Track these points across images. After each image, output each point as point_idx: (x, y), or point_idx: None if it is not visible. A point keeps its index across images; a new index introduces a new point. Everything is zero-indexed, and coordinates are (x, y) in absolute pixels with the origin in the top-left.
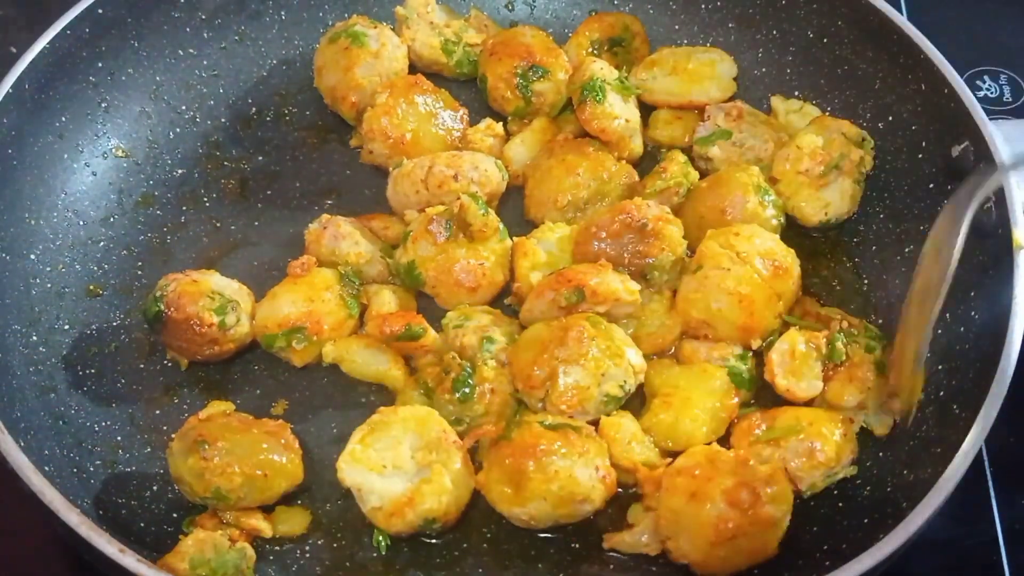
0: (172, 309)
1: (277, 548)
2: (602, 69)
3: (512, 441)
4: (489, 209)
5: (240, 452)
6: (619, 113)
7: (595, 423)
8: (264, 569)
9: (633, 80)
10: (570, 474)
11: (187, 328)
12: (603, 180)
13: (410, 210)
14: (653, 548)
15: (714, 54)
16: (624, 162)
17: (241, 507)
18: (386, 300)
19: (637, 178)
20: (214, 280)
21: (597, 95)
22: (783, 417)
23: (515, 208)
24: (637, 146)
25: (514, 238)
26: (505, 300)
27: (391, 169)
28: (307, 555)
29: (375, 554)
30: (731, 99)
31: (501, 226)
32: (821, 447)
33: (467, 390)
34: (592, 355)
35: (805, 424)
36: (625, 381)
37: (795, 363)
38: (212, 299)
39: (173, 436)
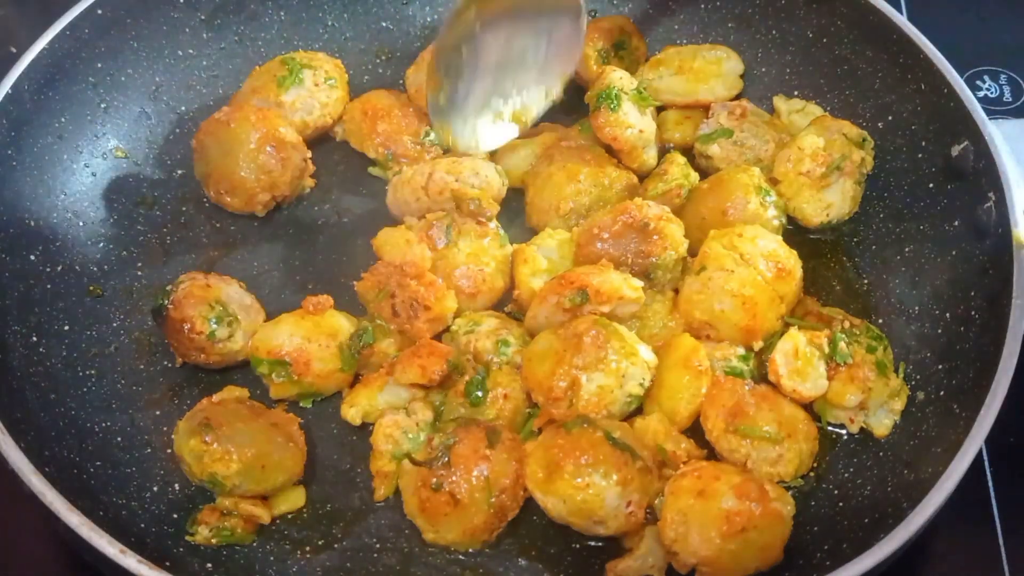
0: (173, 307)
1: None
2: (621, 79)
3: (570, 434)
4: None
5: (241, 441)
6: (633, 123)
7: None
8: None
9: (640, 80)
10: (598, 493)
11: (179, 329)
12: (604, 187)
13: (410, 216)
14: (659, 569)
15: (720, 52)
16: (624, 168)
17: (238, 494)
18: (386, 346)
19: (636, 180)
20: (228, 290)
21: (612, 103)
22: (765, 416)
23: (515, 215)
24: (650, 158)
25: (514, 244)
26: (505, 308)
27: (390, 177)
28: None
29: (375, 541)
30: (737, 97)
31: (502, 232)
32: (787, 462)
33: (480, 393)
34: (610, 358)
35: (784, 436)
36: (643, 379)
37: (799, 363)
38: (212, 308)
39: (174, 435)
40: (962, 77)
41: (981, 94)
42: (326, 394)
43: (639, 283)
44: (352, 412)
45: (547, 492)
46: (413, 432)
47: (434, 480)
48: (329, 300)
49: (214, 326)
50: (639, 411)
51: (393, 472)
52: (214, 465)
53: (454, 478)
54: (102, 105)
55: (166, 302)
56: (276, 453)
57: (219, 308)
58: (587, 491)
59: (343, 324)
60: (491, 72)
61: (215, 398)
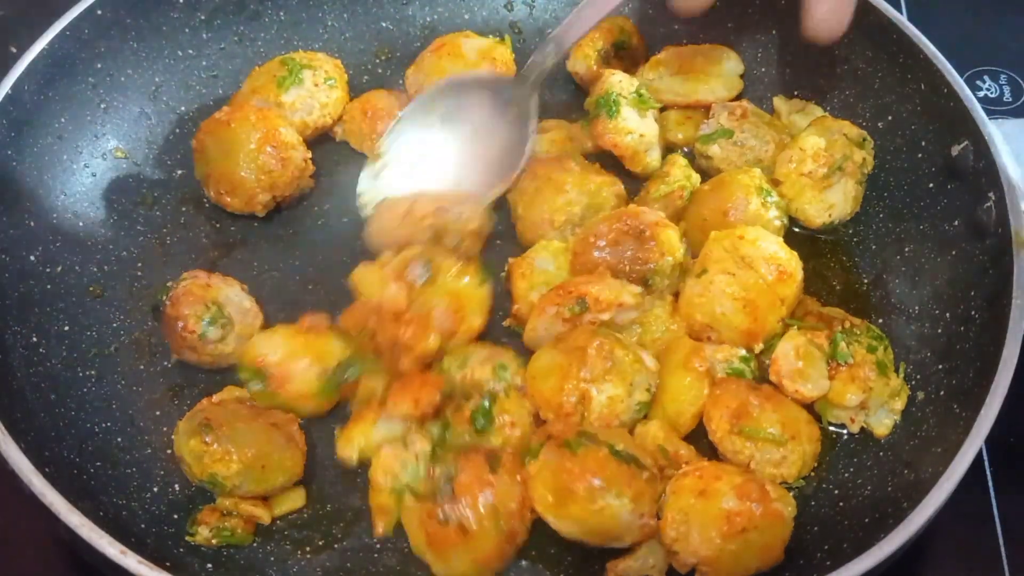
0: (170, 303)
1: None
2: (620, 82)
3: (575, 456)
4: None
5: (241, 441)
6: (633, 128)
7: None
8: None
9: (640, 80)
10: (613, 513)
11: (173, 327)
12: (592, 193)
13: (387, 251)
14: (659, 570)
15: (720, 52)
16: (609, 173)
17: (238, 495)
18: (374, 384)
19: (623, 188)
20: (227, 292)
21: (611, 109)
22: (770, 418)
23: (506, 229)
24: (653, 160)
25: (510, 259)
26: (504, 323)
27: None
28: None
29: (375, 541)
30: (738, 97)
31: (482, 269)
32: (790, 464)
33: (484, 421)
34: (618, 368)
35: (788, 437)
36: (650, 385)
37: (800, 364)
38: (208, 308)
39: (174, 435)
40: (962, 77)
41: (981, 94)
42: (302, 415)
43: (637, 288)
44: (348, 451)
45: (560, 516)
46: (412, 464)
47: (441, 513)
48: (325, 321)
49: (206, 327)
50: (644, 417)
51: (393, 508)
52: (214, 465)
53: (461, 508)
54: (102, 105)
55: (164, 299)
56: (276, 453)
57: (214, 309)
58: (602, 513)
59: (335, 348)
60: (433, 164)
61: (215, 398)
